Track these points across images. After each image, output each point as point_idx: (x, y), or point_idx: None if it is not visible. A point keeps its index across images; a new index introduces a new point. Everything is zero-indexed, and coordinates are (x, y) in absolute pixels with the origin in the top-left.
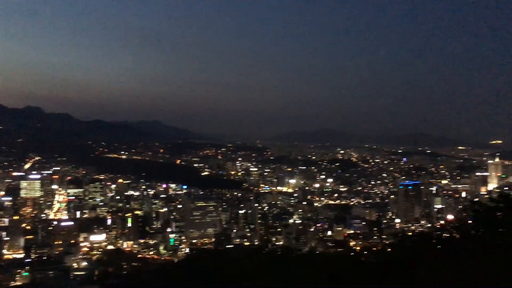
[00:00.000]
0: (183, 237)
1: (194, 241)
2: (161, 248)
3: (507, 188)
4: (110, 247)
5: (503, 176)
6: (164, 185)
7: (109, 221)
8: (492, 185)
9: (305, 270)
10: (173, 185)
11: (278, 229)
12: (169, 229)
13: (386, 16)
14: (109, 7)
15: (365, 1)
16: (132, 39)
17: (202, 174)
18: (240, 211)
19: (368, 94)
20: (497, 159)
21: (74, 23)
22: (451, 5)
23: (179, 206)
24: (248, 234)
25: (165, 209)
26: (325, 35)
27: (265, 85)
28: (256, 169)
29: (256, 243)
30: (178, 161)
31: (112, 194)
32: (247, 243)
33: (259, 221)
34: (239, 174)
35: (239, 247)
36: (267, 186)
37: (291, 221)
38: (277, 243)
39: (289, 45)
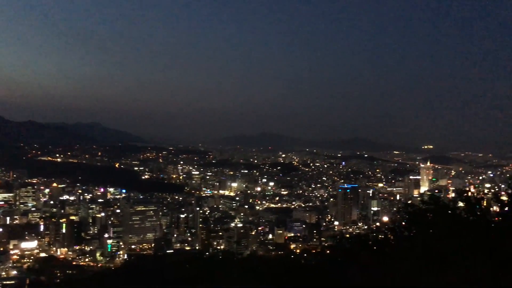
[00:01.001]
0: (121, 243)
1: (133, 246)
2: (97, 254)
3: (437, 191)
4: (43, 254)
5: (434, 179)
6: (102, 189)
7: (41, 227)
8: (424, 188)
9: (246, 274)
10: (111, 189)
11: (220, 233)
12: (106, 235)
13: (325, 19)
14: (47, 6)
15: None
16: (72, 39)
17: (142, 177)
18: (181, 215)
19: (309, 99)
20: (428, 163)
21: (6, 20)
22: (384, 11)
23: (118, 210)
24: (189, 239)
25: (103, 214)
26: (267, 38)
27: (208, 88)
28: (198, 172)
29: (197, 247)
30: (117, 165)
31: (45, 199)
32: (188, 248)
33: (200, 225)
34: (181, 177)
35: (180, 252)
36: (209, 190)
37: (232, 224)
38: (218, 247)
39: (232, 48)
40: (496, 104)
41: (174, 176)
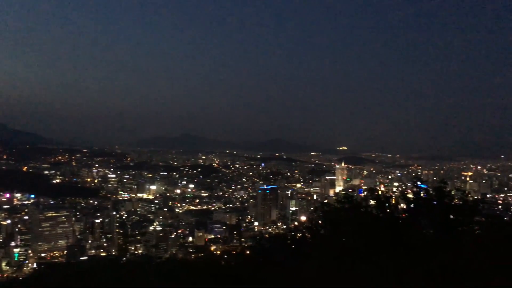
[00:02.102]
0: (29, 251)
1: (43, 255)
2: (3, 264)
3: (351, 190)
4: None
5: (348, 179)
6: (8, 195)
7: None
8: (339, 188)
9: (164, 278)
10: (18, 195)
11: (138, 237)
12: (13, 243)
13: (246, 19)
14: None
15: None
16: None
17: (54, 182)
18: (97, 220)
19: (229, 101)
20: (343, 164)
21: None
22: (303, 13)
23: (26, 217)
24: (105, 244)
25: (8, 221)
26: (187, 38)
27: (125, 89)
28: (115, 175)
29: (113, 253)
30: (25, 168)
31: None
32: (103, 254)
33: (117, 230)
34: (96, 181)
35: (95, 259)
36: (126, 193)
37: (151, 228)
38: (136, 252)
39: (153, 49)
40: (404, 108)
41: (89, 179)
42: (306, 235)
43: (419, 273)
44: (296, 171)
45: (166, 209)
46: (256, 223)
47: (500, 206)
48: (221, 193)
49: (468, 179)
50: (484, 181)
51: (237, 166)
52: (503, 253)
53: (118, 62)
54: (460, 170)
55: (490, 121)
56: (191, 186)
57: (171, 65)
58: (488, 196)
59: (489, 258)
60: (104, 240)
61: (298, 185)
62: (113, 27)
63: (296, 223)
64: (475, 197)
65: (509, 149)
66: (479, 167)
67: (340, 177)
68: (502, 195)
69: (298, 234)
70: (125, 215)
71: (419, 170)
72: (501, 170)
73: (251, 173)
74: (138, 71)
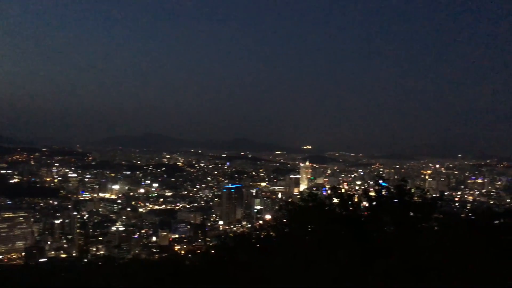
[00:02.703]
0: None
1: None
2: None
3: (315, 189)
4: None
5: (312, 178)
6: None
7: None
8: (303, 186)
9: (126, 278)
10: None
11: (99, 238)
12: None
13: (208, 19)
14: None
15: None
16: None
17: (11, 182)
18: (56, 221)
19: (194, 99)
20: (307, 163)
21: None
22: (265, 12)
23: None
24: (65, 245)
25: None
26: (150, 37)
27: (87, 87)
28: (76, 175)
29: (74, 254)
30: None
31: None
32: (64, 255)
33: (78, 230)
34: (56, 181)
35: (54, 260)
36: (87, 193)
37: (113, 228)
38: (98, 253)
39: (115, 46)
40: (366, 109)
41: (48, 179)
42: (271, 233)
43: (380, 268)
44: (261, 170)
45: (129, 209)
46: (221, 222)
47: (457, 204)
48: (185, 192)
49: (427, 177)
50: (442, 180)
51: (202, 165)
52: (459, 248)
53: (79, 59)
54: (420, 169)
55: (449, 121)
56: (155, 185)
57: (134, 63)
58: (445, 194)
59: (446, 253)
60: (64, 241)
61: (263, 184)
62: (74, 23)
63: (261, 222)
64: (434, 195)
65: (465, 149)
66: (437, 166)
67: (304, 176)
68: (459, 193)
69: (263, 233)
70: (86, 216)
71: (381, 169)
72: (458, 169)
73: (216, 172)
74: (100, 69)
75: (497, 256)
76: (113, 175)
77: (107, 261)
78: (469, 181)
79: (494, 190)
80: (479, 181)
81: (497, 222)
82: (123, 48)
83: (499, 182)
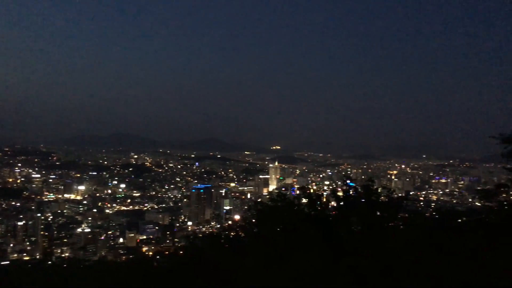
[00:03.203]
0: None
1: None
2: None
3: (284, 189)
4: None
5: (281, 178)
6: None
7: None
8: (272, 186)
9: (91, 281)
10: None
11: (64, 240)
12: None
13: (179, 22)
14: None
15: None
16: None
17: None
18: (19, 223)
19: (162, 99)
20: (276, 163)
21: None
22: (231, 13)
23: None
24: (29, 248)
25: None
26: (118, 36)
27: (50, 85)
28: (39, 175)
29: (37, 256)
30: None
31: None
32: (27, 258)
33: (41, 232)
34: (19, 181)
35: (17, 263)
36: (52, 194)
37: (79, 230)
38: (62, 255)
39: (80, 45)
40: (335, 109)
41: (11, 179)
42: (240, 233)
43: (346, 267)
44: (230, 170)
45: (95, 210)
46: (189, 223)
47: (421, 203)
48: (153, 193)
49: (393, 177)
50: (407, 179)
51: (171, 165)
52: (424, 247)
53: (44, 57)
54: (386, 169)
55: (414, 123)
56: (122, 186)
57: (100, 61)
58: (411, 193)
59: (411, 252)
60: (28, 243)
61: (232, 184)
62: (41, 21)
63: (230, 222)
64: (400, 195)
65: (430, 149)
66: (403, 166)
67: (273, 176)
68: (424, 193)
69: (232, 233)
70: (51, 217)
71: (349, 169)
72: (423, 169)
73: (184, 173)
74: (65, 66)
75: (460, 254)
76: (78, 175)
77: (72, 263)
78: (433, 181)
79: (456, 190)
80: (443, 181)
81: (459, 220)
82: (89, 46)
83: (462, 182)
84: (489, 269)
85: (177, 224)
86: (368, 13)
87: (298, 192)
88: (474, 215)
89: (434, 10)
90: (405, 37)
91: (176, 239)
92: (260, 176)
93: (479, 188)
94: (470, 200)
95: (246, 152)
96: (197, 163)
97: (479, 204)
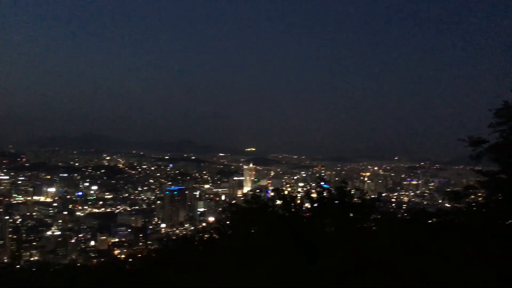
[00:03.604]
0: None
1: None
2: None
3: (258, 191)
4: None
5: (256, 180)
6: None
7: None
8: (246, 188)
9: (61, 285)
10: None
11: (33, 243)
12: None
13: (153, 21)
14: None
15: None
16: None
17: None
18: None
19: (134, 99)
20: (251, 165)
21: None
22: (209, 13)
23: None
24: None
25: None
26: (87, 37)
27: (19, 86)
28: (8, 177)
29: (5, 260)
30: None
31: None
32: None
33: (10, 235)
34: None
35: None
36: (20, 196)
37: (49, 233)
38: (31, 259)
39: (48, 45)
40: (309, 112)
41: None
42: (214, 235)
43: (319, 268)
44: (204, 172)
45: (65, 213)
46: (163, 225)
47: (393, 204)
48: (126, 194)
49: (366, 179)
50: (380, 181)
51: (144, 167)
52: (396, 247)
53: (12, 57)
54: (359, 170)
55: (386, 125)
56: (94, 188)
57: (72, 61)
58: (383, 195)
59: (383, 252)
60: None
61: (207, 186)
62: (7, 23)
63: (204, 224)
64: (372, 196)
65: (402, 151)
66: (375, 168)
67: (248, 177)
68: (396, 194)
69: (206, 235)
70: (19, 220)
71: (323, 171)
72: (395, 170)
73: (158, 174)
74: (34, 67)
75: (431, 254)
76: (48, 177)
77: (41, 267)
78: (404, 182)
79: (427, 191)
80: (414, 182)
81: (430, 221)
82: (60, 47)
83: (432, 184)
84: (457, 268)
85: (151, 227)
86: (341, 17)
87: (272, 194)
88: (443, 216)
89: (396, 12)
90: (376, 40)
91: (149, 242)
92: (235, 178)
93: (448, 189)
94: (440, 201)
95: (220, 154)
96: (171, 165)
97: (448, 205)
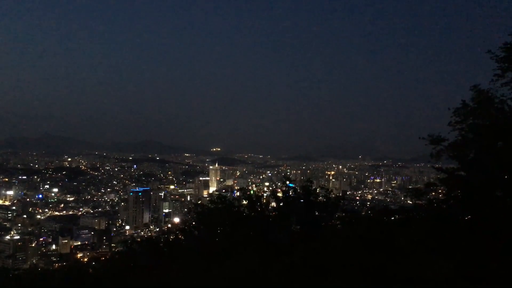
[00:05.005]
0: None
1: None
2: None
3: (224, 191)
4: None
5: (222, 180)
6: None
7: None
8: (212, 188)
9: None
10: None
11: None
12: None
13: (118, 21)
14: None
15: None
16: None
17: None
18: None
19: (98, 100)
20: (216, 165)
21: None
22: (174, 13)
23: None
24: None
25: None
26: (57, 35)
27: None
28: None
29: None
30: None
31: None
32: None
33: None
34: None
35: None
36: None
37: (7, 237)
38: None
39: (8, 44)
40: (274, 112)
41: None
42: (180, 237)
43: (282, 266)
44: (169, 172)
45: (25, 216)
46: (127, 227)
47: (358, 202)
48: (89, 196)
49: (331, 178)
50: (344, 180)
51: (107, 168)
52: (360, 245)
53: None
54: (324, 169)
55: (350, 124)
56: (55, 190)
57: (32, 58)
58: (347, 193)
59: (348, 250)
60: None
61: (172, 187)
62: None
63: (169, 226)
64: (337, 195)
65: (365, 150)
66: (340, 167)
67: (213, 178)
68: (360, 192)
69: (171, 237)
70: None
71: (288, 170)
72: (359, 169)
73: (122, 175)
74: None
75: (393, 251)
76: (6, 180)
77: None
78: (368, 180)
79: (390, 189)
80: (377, 180)
81: (393, 218)
82: (22, 44)
83: (395, 181)
84: (418, 263)
85: (114, 229)
86: (307, 14)
87: (238, 193)
88: (405, 212)
89: (367, 12)
90: (338, 39)
91: (113, 244)
92: (200, 178)
93: (410, 187)
94: (402, 198)
95: (185, 154)
96: (135, 166)
97: (410, 202)
